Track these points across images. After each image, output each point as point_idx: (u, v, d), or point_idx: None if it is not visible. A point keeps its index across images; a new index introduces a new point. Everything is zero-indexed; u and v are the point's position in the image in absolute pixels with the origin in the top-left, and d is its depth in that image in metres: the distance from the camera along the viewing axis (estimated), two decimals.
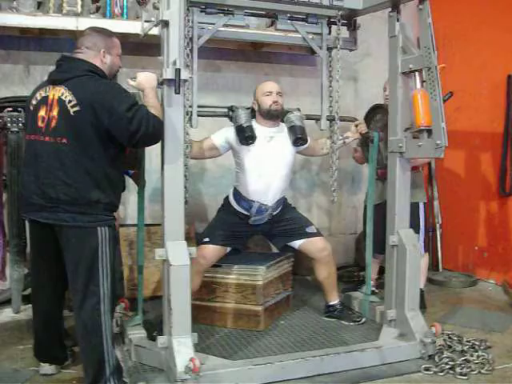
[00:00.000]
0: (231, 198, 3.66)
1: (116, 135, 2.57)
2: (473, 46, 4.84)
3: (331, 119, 3.70)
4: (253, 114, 3.64)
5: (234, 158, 3.66)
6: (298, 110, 3.76)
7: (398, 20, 3.30)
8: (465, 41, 4.90)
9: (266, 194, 3.55)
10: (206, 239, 3.53)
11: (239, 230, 3.63)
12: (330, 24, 3.66)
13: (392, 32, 3.34)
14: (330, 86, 3.71)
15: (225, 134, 3.58)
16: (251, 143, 3.50)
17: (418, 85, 3.20)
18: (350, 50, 3.87)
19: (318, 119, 3.74)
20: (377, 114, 3.80)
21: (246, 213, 3.60)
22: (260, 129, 3.57)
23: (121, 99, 2.56)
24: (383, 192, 3.94)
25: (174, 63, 2.68)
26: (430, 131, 3.06)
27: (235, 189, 3.65)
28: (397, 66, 3.30)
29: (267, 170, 3.53)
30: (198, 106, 3.34)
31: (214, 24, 3.39)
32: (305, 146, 3.71)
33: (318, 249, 3.66)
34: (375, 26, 4.34)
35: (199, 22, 3.33)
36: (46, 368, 2.96)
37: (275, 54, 4.88)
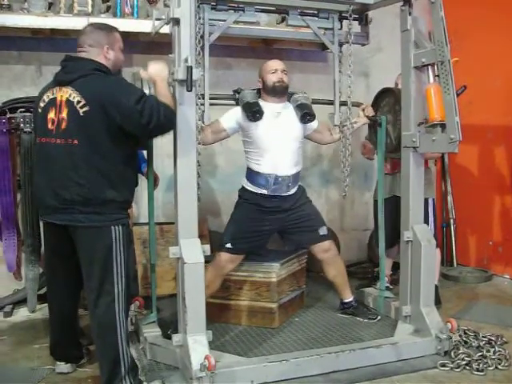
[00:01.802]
0: (246, 182, 3.60)
1: (129, 130, 2.57)
2: (485, 39, 4.80)
3: (343, 104, 3.68)
4: (259, 94, 3.62)
5: (243, 137, 3.59)
6: (304, 93, 3.72)
7: (410, 14, 3.27)
8: (477, 34, 4.85)
9: (280, 165, 3.49)
10: (229, 245, 3.48)
11: (259, 230, 3.56)
12: (341, 19, 3.64)
13: (404, 26, 3.31)
14: (339, 81, 3.69)
15: (232, 114, 3.54)
16: (259, 118, 3.45)
17: (431, 79, 3.18)
18: (363, 45, 3.85)
19: (328, 103, 3.72)
20: (383, 99, 3.80)
21: (263, 191, 3.51)
22: (267, 105, 3.53)
23: (128, 93, 2.55)
24: (392, 187, 3.95)
25: (186, 61, 2.67)
26: (443, 126, 3.04)
27: (248, 169, 3.59)
28: (409, 60, 3.28)
29: (276, 144, 3.48)
30: (202, 105, 3.30)
31: (224, 21, 3.38)
32: (313, 125, 3.67)
33: (322, 249, 3.65)
34: (386, 20, 4.30)
35: (210, 19, 3.32)
36: (62, 367, 2.98)
37: (286, 50, 4.86)
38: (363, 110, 3.74)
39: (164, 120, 2.56)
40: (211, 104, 3.39)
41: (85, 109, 2.54)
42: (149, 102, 2.54)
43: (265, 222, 3.58)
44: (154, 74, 2.77)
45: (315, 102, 3.75)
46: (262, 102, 3.54)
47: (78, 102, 2.55)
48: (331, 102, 3.76)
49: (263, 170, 3.51)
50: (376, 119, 3.70)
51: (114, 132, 2.56)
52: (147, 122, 2.51)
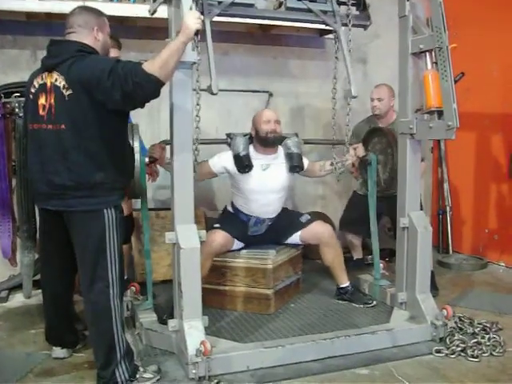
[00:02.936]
0: (230, 209, 3.81)
1: (111, 107, 2.49)
2: (483, 26, 4.77)
3: (334, 143, 3.70)
4: (251, 140, 3.71)
5: (231, 180, 3.75)
6: (296, 135, 3.87)
7: None
8: (475, 21, 4.83)
9: (263, 212, 3.70)
10: (217, 225, 3.63)
11: (243, 233, 3.73)
12: (339, 4, 3.58)
13: (402, 12, 3.29)
14: (335, 68, 3.65)
15: (222, 161, 3.66)
16: (248, 171, 3.60)
17: (429, 65, 3.16)
18: (364, 28, 3.77)
19: (319, 143, 3.77)
20: (375, 136, 3.82)
21: (245, 221, 3.73)
22: (257, 157, 3.66)
23: (103, 67, 2.46)
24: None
25: (190, 9, 2.61)
26: (440, 112, 3.03)
27: (232, 203, 3.79)
28: (407, 46, 3.26)
29: (262, 195, 3.65)
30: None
31: (221, 2, 3.31)
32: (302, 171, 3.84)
33: (316, 233, 3.73)
34: (384, 7, 4.28)
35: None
36: (58, 352, 2.98)
37: (284, 36, 4.84)
38: (355, 149, 3.74)
39: (132, 87, 2.41)
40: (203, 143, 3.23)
41: (68, 92, 2.50)
42: (116, 73, 2.43)
43: (248, 235, 3.76)
44: (184, 24, 2.56)
45: (307, 142, 3.78)
46: (252, 151, 3.66)
47: (63, 86, 2.51)
48: (322, 142, 3.79)
49: (246, 211, 3.70)
50: (367, 159, 3.73)
51: (99, 112, 2.51)
52: (119, 95, 2.42)
